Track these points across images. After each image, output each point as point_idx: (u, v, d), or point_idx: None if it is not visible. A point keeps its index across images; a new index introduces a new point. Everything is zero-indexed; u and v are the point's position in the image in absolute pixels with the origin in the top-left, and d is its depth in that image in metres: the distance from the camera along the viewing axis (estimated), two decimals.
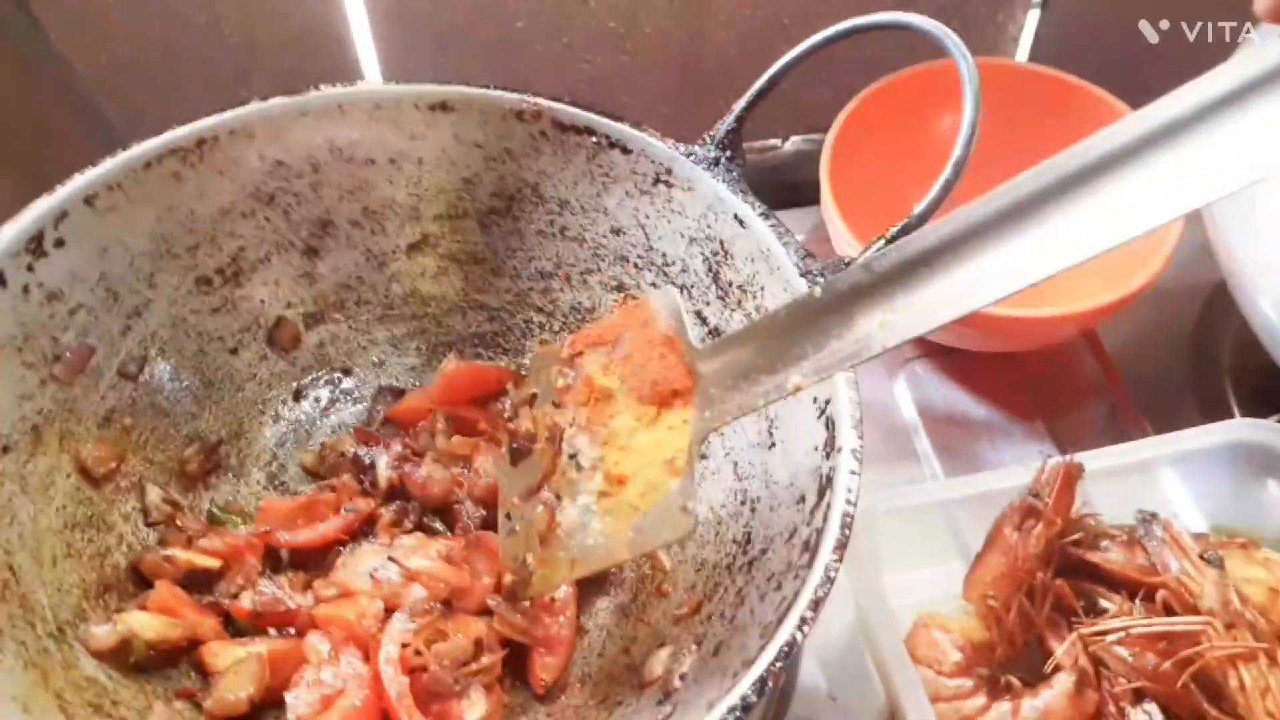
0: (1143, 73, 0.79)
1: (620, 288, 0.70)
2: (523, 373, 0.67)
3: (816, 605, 0.46)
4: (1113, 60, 0.88)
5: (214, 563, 0.60)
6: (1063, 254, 0.40)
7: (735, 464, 0.62)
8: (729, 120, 0.64)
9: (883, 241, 0.57)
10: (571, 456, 0.54)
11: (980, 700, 0.59)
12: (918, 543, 0.67)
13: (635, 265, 0.69)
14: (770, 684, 0.43)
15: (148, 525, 0.62)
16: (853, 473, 0.50)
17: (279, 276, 0.70)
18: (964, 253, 0.42)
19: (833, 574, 0.47)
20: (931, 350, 0.81)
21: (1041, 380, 0.80)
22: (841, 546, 0.48)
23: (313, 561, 0.63)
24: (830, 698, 0.63)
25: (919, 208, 0.57)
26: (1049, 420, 0.78)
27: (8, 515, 0.54)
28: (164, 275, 0.65)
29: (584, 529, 0.52)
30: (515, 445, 0.57)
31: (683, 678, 0.52)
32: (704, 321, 0.66)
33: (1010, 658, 0.61)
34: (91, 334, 0.61)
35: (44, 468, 0.58)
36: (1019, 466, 0.66)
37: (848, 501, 0.49)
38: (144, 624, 0.55)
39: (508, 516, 0.56)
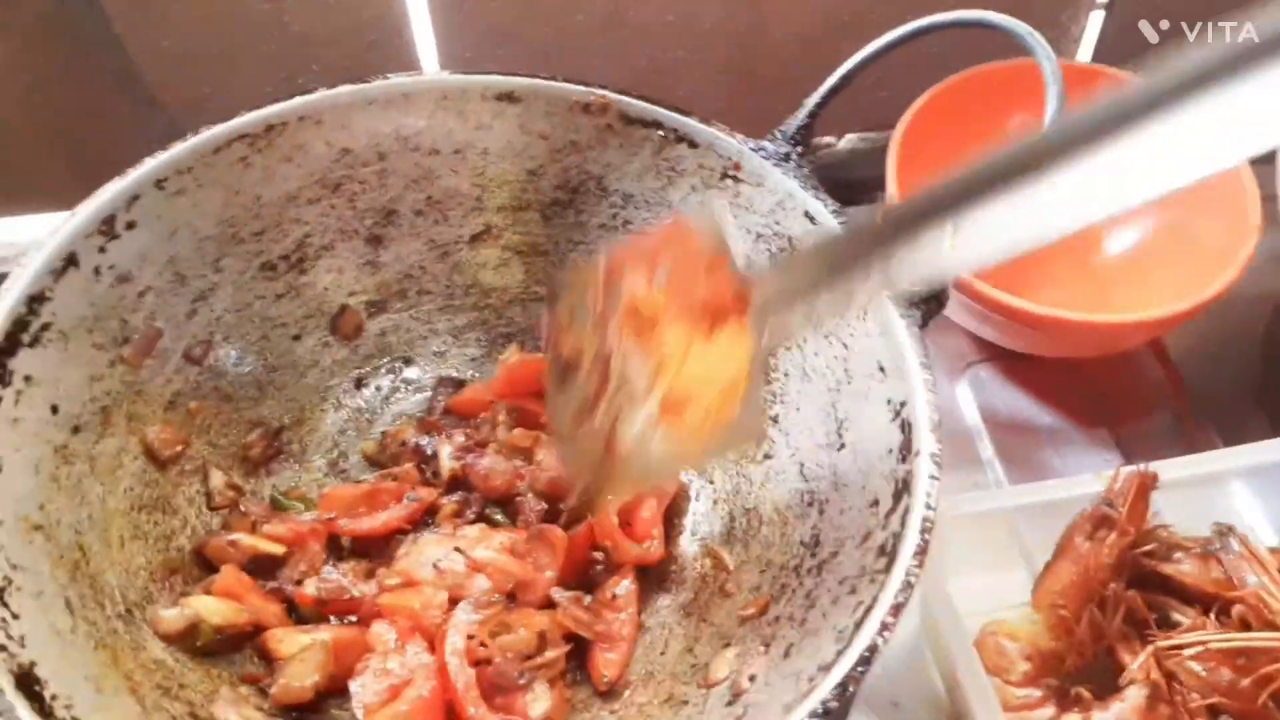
0: None
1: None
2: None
3: (897, 611, 0.45)
4: None
5: (278, 548, 0.60)
6: (1147, 182, 0.36)
7: (801, 465, 0.61)
8: (801, 116, 0.64)
9: None
10: (622, 381, 0.51)
11: (1049, 711, 0.58)
12: (980, 550, 0.66)
13: None
14: (851, 689, 0.43)
15: (211, 509, 0.62)
16: (933, 478, 0.49)
17: (343, 264, 0.70)
18: (1039, 172, 0.38)
19: (913, 580, 0.46)
20: (995, 354, 0.80)
21: (1107, 388, 0.78)
22: (922, 552, 0.47)
23: (374, 550, 0.62)
24: (892, 704, 0.62)
25: None
26: (1114, 429, 0.76)
27: (78, 495, 0.54)
28: (230, 260, 0.65)
29: (645, 453, 0.49)
30: (562, 360, 0.53)
31: (752, 679, 0.51)
32: None
33: (1079, 669, 0.60)
34: (159, 317, 0.61)
35: (112, 449, 0.58)
36: (1086, 475, 0.65)
37: (928, 506, 0.48)
38: (210, 608, 0.55)
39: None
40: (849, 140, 1.02)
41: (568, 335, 0.54)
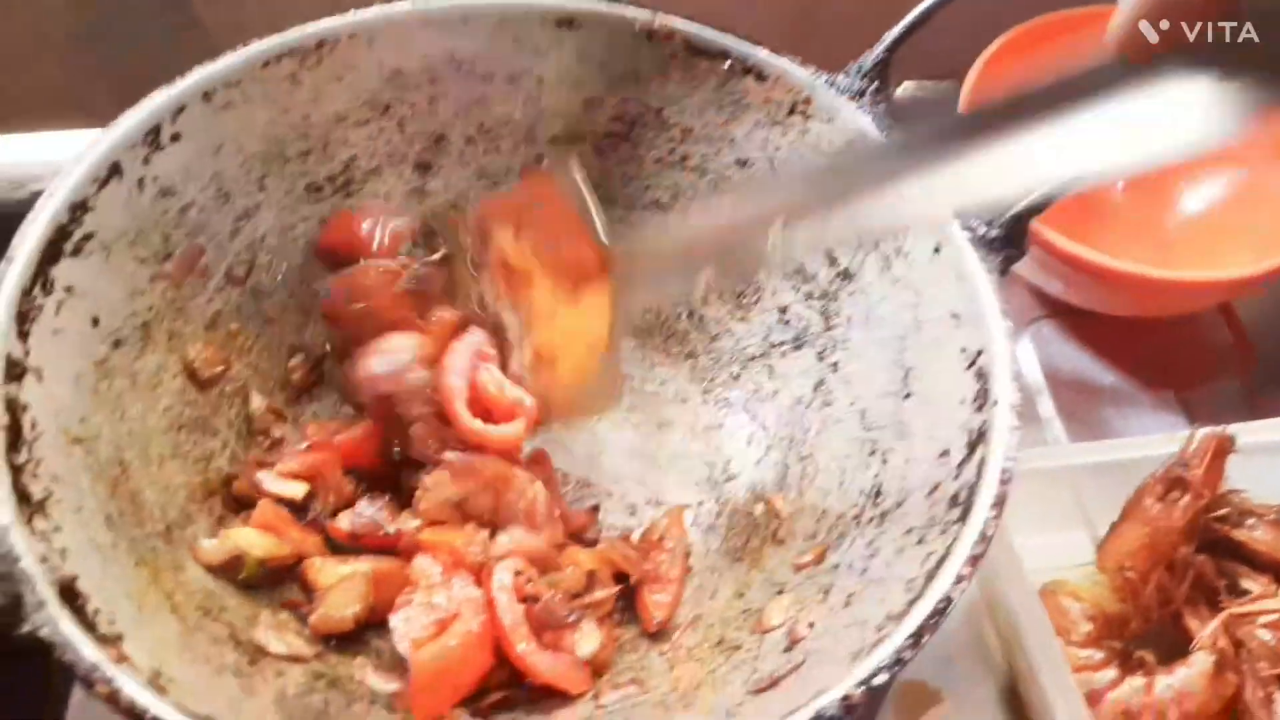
0: None
1: None
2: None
3: (974, 562, 0.43)
4: None
5: (299, 489, 0.58)
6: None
7: (863, 413, 0.58)
8: (878, 50, 0.61)
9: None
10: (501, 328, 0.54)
11: (1111, 673, 0.56)
12: (1039, 509, 0.64)
13: None
14: (925, 638, 0.41)
15: (250, 434, 0.61)
16: (1013, 428, 0.47)
17: (389, 190, 0.67)
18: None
19: (990, 531, 0.44)
20: (1060, 310, 0.77)
21: (1173, 351, 0.76)
22: (1000, 503, 0.45)
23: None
24: (945, 659, 0.61)
25: None
26: (1180, 392, 0.74)
27: (118, 411, 0.53)
28: (274, 179, 0.63)
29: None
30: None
31: (810, 626, 0.49)
32: (834, 262, 0.62)
33: (1143, 632, 0.58)
34: (202, 234, 0.59)
35: (152, 366, 0.56)
36: (1155, 435, 0.63)
37: (1006, 457, 0.46)
38: (252, 541, 0.53)
39: None
40: (907, 89, 0.99)
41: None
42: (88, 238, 0.53)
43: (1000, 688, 0.60)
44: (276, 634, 0.50)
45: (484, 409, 0.56)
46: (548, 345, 0.52)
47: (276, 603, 0.53)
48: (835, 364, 0.61)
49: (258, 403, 0.61)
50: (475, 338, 0.57)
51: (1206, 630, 0.55)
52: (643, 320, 0.70)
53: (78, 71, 0.87)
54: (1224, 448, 0.59)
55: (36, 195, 0.89)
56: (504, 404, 0.56)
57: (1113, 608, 0.57)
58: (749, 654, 0.51)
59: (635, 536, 0.59)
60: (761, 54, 0.62)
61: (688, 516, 0.61)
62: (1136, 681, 0.55)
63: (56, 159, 0.86)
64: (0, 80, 0.86)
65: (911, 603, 0.43)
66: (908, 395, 0.56)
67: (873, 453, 0.56)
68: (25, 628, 0.39)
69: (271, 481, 0.57)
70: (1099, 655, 0.56)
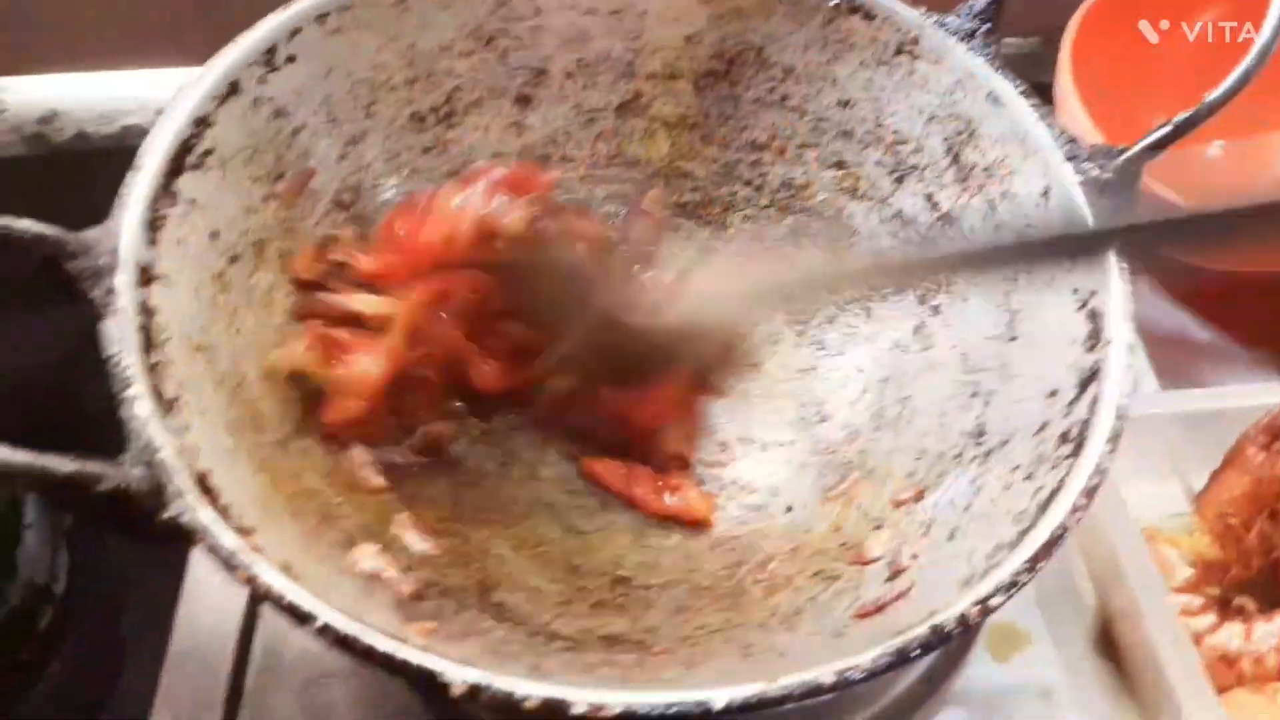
0: None
1: (840, 165, 0.67)
2: None
3: (1091, 493, 0.43)
4: None
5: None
6: None
7: (964, 355, 0.58)
8: None
9: (1168, 128, 0.53)
10: None
11: (1210, 619, 0.56)
12: (1132, 459, 0.63)
13: (860, 142, 0.65)
14: (1041, 564, 0.41)
15: None
16: (1126, 366, 0.47)
17: (489, 123, 0.68)
18: None
19: (1105, 464, 0.45)
20: (1154, 264, 0.76)
21: (1270, 306, 0.74)
22: (1115, 438, 0.45)
23: None
24: (1035, 602, 0.61)
25: (1212, 96, 0.52)
26: (1278, 350, 0.73)
27: (235, 324, 0.54)
28: (381, 106, 0.63)
29: None
30: None
31: (914, 557, 0.50)
32: (935, 206, 0.62)
33: (1243, 580, 0.57)
34: (312, 156, 0.60)
35: (265, 284, 0.57)
36: (1254, 385, 0.62)
37: (1121, 394, 0.46)
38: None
39: None
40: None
41: None
42: (208, 153, 0.54)
43: (1091, 631, 0.60)
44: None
45: None
46: None
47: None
48: (937, 307, 0.61)
49: None
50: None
51: None
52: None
53: (172, 10, 0.88)
54: None
55: (127, 129, 0.91)
56: None
57: (1212, 555, 0.57)
58: (849, 583, 0.52)
59: None
60: None
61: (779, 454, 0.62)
62: (1235, 627, 0.55)
63: (147, 95, 0.90)
64: (90, 16, 0.88)
65: (1023, 533, 0.43)
66: (1013, 338, 0.55)
67: (975, 394, 0.56)
68: (167, 514, 0.40)
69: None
70: (1198, 601, 0.56)
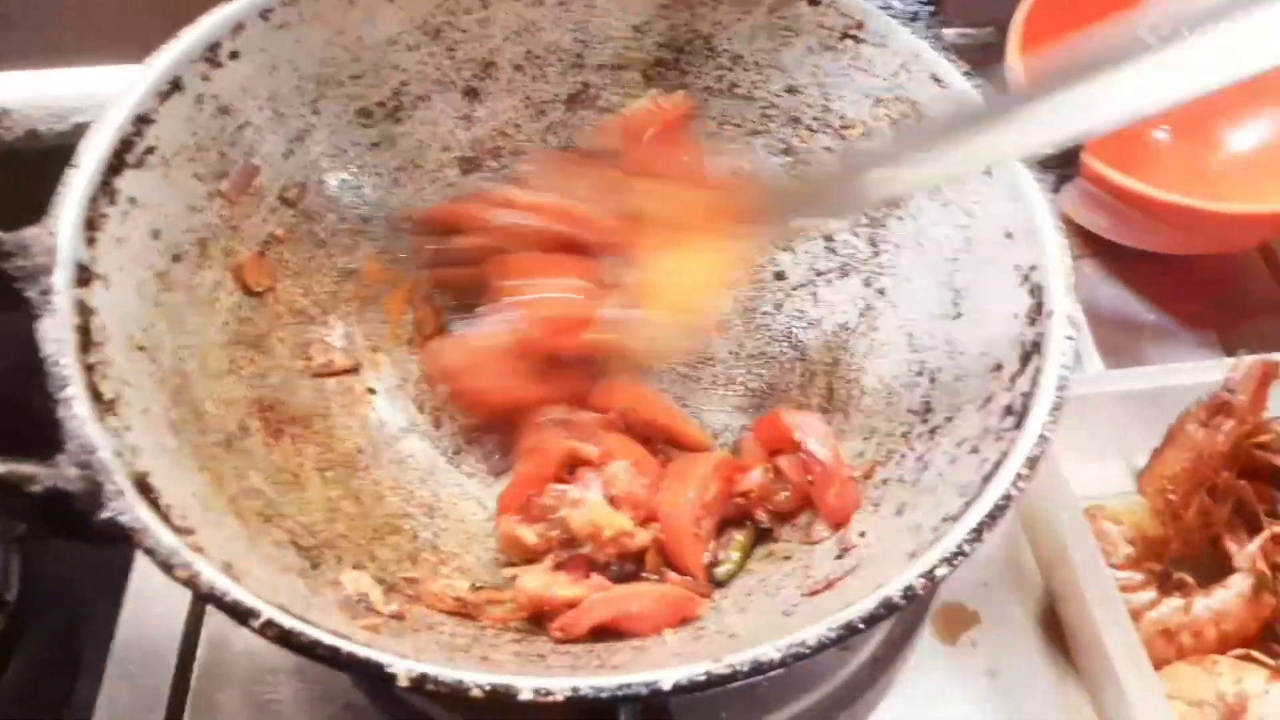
0: None
1: (788, 150, 0.67)
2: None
3: (1033, 464, 0.44)
4: None
5: None
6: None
7: (910, 335, 0.59)
8: None
9: None
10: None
11: (1150, 594, 0.57)
12: (1077, 437, 0.64)
13: (808, 128, 0.66)
14: (985, 535, 0.42)
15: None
16: (1068, 338, 0.48)
17: (438, 117, 0.67)
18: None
19: (1048, 434, 0.45)
20: (1101, 249, 0.77)
21: (1214, 290, 0.76)
22: (1058, 408, 0.46)
23: None
24: (982, 584, 0.61)
25: None
26: (1221, 331, 0.74)
27: (179, 322, 0.54)
28: (327, 102, 0.63)
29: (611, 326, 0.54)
30: None
31: (861, 535, 0.50)
32: None
33: (1183, 555, 0.58)
34: (257, 153, 0.60)
35: (209, 282, 0.57)
36: (1192, 364, 0.63)
37: (1063, 366, 0.47)
38: None
39: None
40: (947, 36, 0.98)
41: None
42: (150, 151, 0.53)
43: (1037, 610, 0.61)
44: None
45: None
46: (655, 284, 0.53)
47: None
48: (882, 290, 0.62)
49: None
50: None
51: (1247, 551, 0.56)
52: None
53: (126, 6, 0.87)
54: (1269, 375, 0.60)
55: (79, 126, 0.89)
56: None
57: (1153, 531, 0.58)
58: (799, 563, 0.52)
59: None
60: None
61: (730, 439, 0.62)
62: (1175, 602, 0.56)
63: (99, 92, 0.88)
64: (45, 13, 0.86)
65: (968, 503, 0.44)
66: (958, 316, 0.56)
67: (920, 373, 0.57)
68: (105, 514, 0.40)
69: None
70: (1138, 577, 0.57)
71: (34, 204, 0.51)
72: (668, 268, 0.53)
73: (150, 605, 0.60)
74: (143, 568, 0.61)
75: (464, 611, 0.51)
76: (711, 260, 0.53)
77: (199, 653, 0.58)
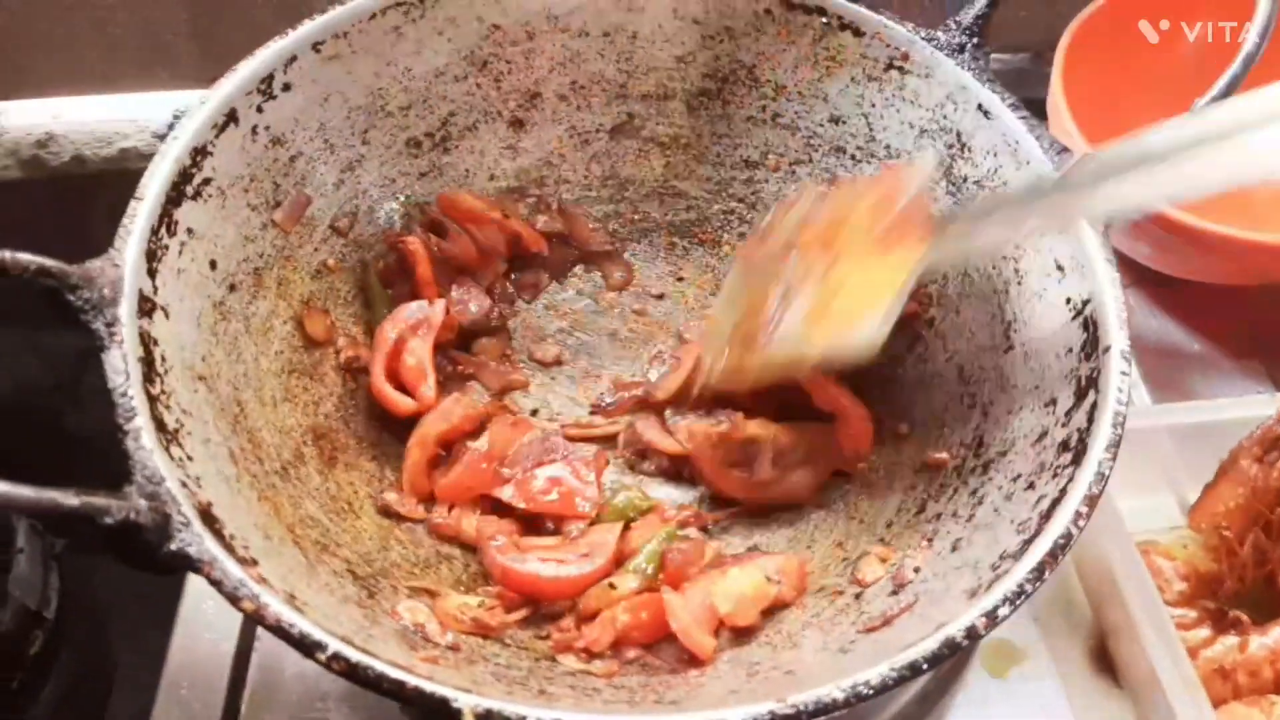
0: None
1: (833, 181, 0.67)
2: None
3: (1092, 502, 0.44)
4: None
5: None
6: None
7: (960, 368, 0.59)
8: (980, 4, 0.61)
9: None
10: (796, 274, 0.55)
11: (1205, 632, 0.56)
12: (1126, 472, 0.63)
13: (852, 157, 0.66)
14: (1047, 573, 0.41)
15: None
16: (1124, 373, 0.48)
17: (485, 146, 0.68)
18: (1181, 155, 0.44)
19: (1106, 471, 0.45)
20: (1145, 278, 0.77)
21: (1260, 320, 0.75)
22: (1115, 445, 0.45)
23: None
24: (1033, 619, 0.61)
25: (1201, 102, 0.53)
26: (1267, 361, 0.73)
27: (235, 352, 0.54)
28: (377, 133, 0.64)
29: (786, 333, 0.54)
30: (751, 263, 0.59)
31: (916, 570, 0.50)
32: None
33: (1238, 593, 0.58)
34: (309, 183, 0.61)
35: (264, 311, 0.58)
36: (1245, 397, 0.63)
37: (1119, 402, 0.47)
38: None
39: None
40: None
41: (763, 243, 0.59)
42: (206, 182, 0.54)
43: (1087, 646, 0.61)
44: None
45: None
46: (838, 290, 0.53)
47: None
48: (930, 320, 0.62)
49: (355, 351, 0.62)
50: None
51: None
52: None
53: (166, 31, 0.88)
54: None
55: (124, 152, 0.91)
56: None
57: (1206, 567, 0.58)
58: (852, 598, 0.52)
59: None
60: (859, 10, 0.62)
61: None
62: (1230, 640, 0.56)
63: (142, 117, 0.90)
64: (89, 40, 0.88)
65: (1027, 542, 0.44)
66: (1009, 348, 0.56)
67: (972, 406, 0.57)
68: (172, 546, 0.40)
69: None
70: (1192, 614, 0.57)
71: (83, 229, 0.52)
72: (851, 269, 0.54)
73: (202, 628, 0.60)
74: (194, 590, 0.61)
75: (482, 631, 0.51)
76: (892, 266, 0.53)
77: (249, 676, 0.58)
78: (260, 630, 0.61)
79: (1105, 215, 0.51)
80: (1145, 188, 0.45)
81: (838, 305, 0.53)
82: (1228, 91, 0.53)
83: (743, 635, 0.52)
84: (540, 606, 0.54)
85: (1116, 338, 0.49)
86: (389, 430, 0.61)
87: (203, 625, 0.61)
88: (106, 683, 0.73)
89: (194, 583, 0.63)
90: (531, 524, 0.58)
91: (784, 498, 0.59)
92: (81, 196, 0.89)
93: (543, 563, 0.53)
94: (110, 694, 0.73)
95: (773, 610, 0.53)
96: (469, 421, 0.60)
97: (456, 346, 0.66)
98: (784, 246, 0.56)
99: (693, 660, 0.50)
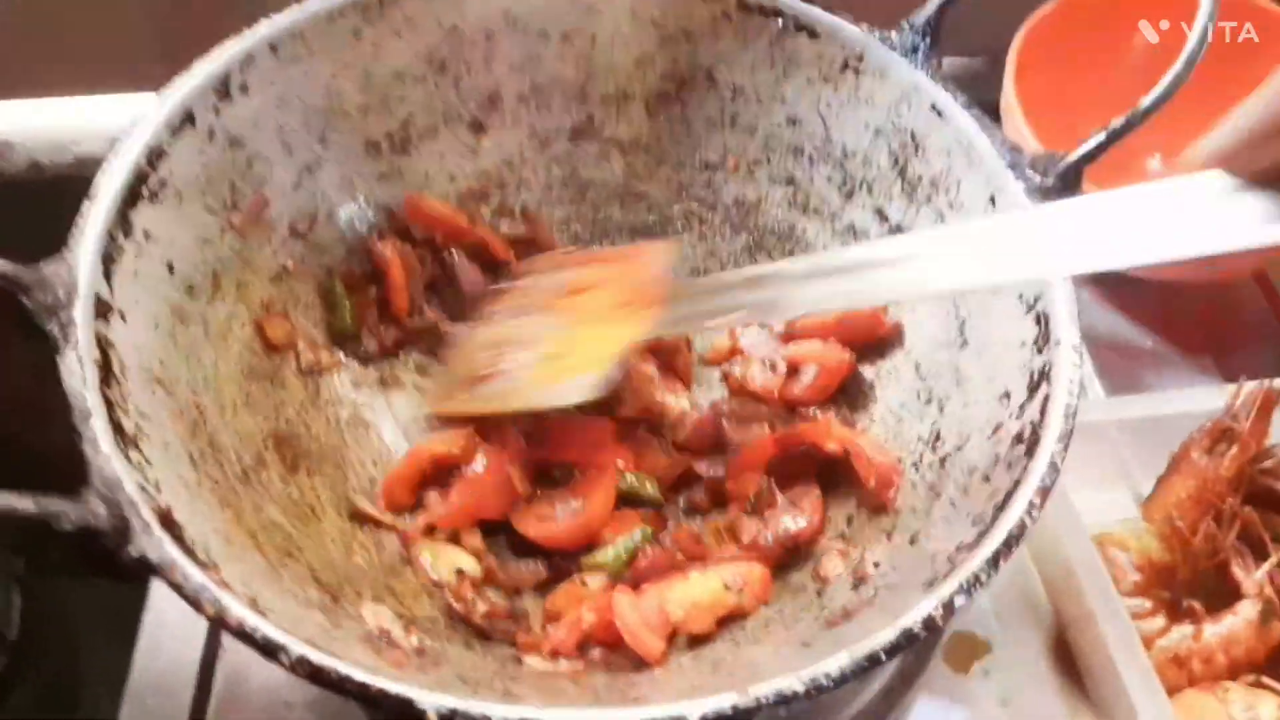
0: None
1: (790, 181, 0.68)
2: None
3: (1044, 494, 0.45)
4: None
5: None
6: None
7: (917, 364, 0.60)
8: (932, 7, 0.62)
9: (1103, 135, 0.55)
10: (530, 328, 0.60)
11: (1159, 622, 0.57)
12: (1081, 465, 0.65)
13: (809, 158, 0.67)
14: (1002, 563, 0.42)
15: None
16: (1075, 365, 0.49)
17: (444, 149, 0.68)
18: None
19: (1059, 462, 0.46)
20: (1099, 277, 0.78)
21: (1210, 317, 0.77)
22: (1067, 437, 0.46)
23: None
24: (995, 615, 0.62)
25: (1146, 101, 0.54)
26: (1218, 357, 0.75)
27: (193, 356, 0.54)
28: (335, 134, 0.63)
29: (510, 380, 0.58)
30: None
31: (876, 565, 0.51)
32: (885, 219, 0.64)
33: (1190, 582, 0.59)
34: (267, 185, 0.60)
35: (223, 315, 0.57)
36: (1195, 389, 0.64)
37: (1070, 394, 0.48)
38: None
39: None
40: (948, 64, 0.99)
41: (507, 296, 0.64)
42: (163, 184, 0.54)
43: (1047, 638, 0.62)
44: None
45: None
46: (570, 343, 0.56)
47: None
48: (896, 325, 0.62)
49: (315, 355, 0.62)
50: None
51: (1254, 577, 0.57)
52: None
53: (123, 34, 0.87)
54: (1271, 401, 0.61)
55: (81, 158, 0.90)
56: None
57: (1160, 558, 0.59)
58: (814, 594, 0.52)
59: None
60: (814, 11, 0.63)
61: None
62: (1185, 629, 0.57)
63: (100, 122, 0.88)
64: (45, 43, 0.87)
65: (983, 534, 0.44)
66: (964, 344, 0.57)
67: (929, 401, 0.58)
68: (132, 550, 0.40)
69: None
70: (1147, 604, 0.58)
71: (39, 236, 0.51)
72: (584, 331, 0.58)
73: (165, 638, 0.60)
74: (156, 603, 0.61)
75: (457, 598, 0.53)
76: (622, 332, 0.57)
77: (215, 687, 0.58)
78: (225, 641, 0.61)
79: (803, 310, 0.56)
80: (836, 293, 0.50)
81: (564, 363, 0.57)
82: (1171, 90, 0.54)
83: (702, 636, 0.52)
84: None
85: (1068, 332, 0.50)
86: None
87: (166, 635, 0.61)
88: (71, 702, 0.72)
89: (157, 593, 0.62)
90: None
91: None
92: (38, 203, 0.87)
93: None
94: (75, 715, 0.72)
95: (731, 619, 0.53)
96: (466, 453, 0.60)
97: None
98: (520, 308, 0.61)
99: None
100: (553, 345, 0.58)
